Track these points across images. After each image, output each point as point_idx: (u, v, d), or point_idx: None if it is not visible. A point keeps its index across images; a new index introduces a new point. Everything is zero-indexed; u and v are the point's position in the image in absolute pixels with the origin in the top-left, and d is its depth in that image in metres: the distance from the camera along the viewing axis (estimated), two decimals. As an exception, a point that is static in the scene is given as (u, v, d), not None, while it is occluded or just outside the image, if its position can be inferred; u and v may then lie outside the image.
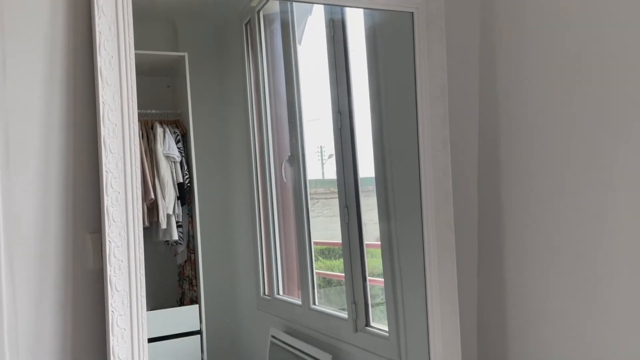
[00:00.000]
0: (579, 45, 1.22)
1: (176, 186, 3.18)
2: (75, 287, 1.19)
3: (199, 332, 3.03)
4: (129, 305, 1.13)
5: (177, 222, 3.17)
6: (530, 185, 1.39)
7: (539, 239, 1.40)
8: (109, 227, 1.11)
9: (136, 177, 1.18)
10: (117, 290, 1.12)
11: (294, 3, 2.71)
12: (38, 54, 1.15)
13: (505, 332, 1.49)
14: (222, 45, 3.52)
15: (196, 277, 3.14)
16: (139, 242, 1.15)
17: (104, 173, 1.12)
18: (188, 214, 3.21)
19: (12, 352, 1.13)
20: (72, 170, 1.19)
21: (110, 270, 1.11)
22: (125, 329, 1.13)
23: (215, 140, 3.54)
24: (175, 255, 3.31)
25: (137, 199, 1.17)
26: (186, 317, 3.05)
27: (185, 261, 3.30)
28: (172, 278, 3.34)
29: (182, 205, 3.20)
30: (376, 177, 1.94)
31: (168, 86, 3.48)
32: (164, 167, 3.18)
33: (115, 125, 1.13)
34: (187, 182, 3.17)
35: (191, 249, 3.24)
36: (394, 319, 1.93)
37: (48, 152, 1.17)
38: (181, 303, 3.28)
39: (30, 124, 1.15)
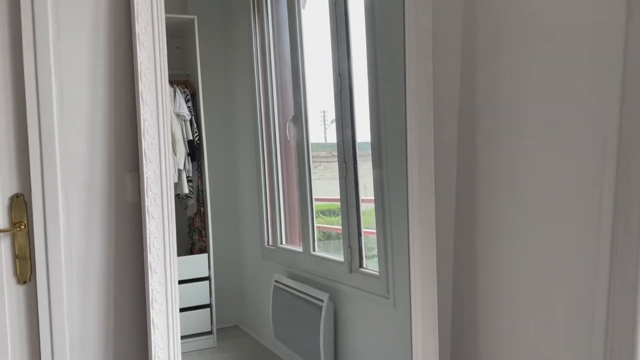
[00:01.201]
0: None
1: (186, 143, 3.39)
2: (117, 215, 1.45)
3: (207, 278, 3.31)
4: (162, 229, 1.40)
5: (187, 177, 3.40)
6: (505, 145, 1.59)
7: (507, 183, 1.61)
8: (146, 165, 1.36)
9: (167, 125, 1.42)
10: (153, 218, 1.38)
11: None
12: (85, 24, 1.37)
13: (476, 269, 1.73)
14: (230, 8, 3.66)
15: (205, 228, 3.39)
16: (170, 179, 1.40)
17: (142, 121, 1.37)
18: (198, 169, 3.44)
19: (68, 264, 1.41)
20: (115, 119, 1.43)
21: (147, 201, 1.37)
22: (159, 249, 1.39)
23: (223, 99, 3.73)
24: (185, 209, 3.56)
25: (168, 143, 1.42)
26: (196, 264, 3.32)
27: (195, 214, 3.55)
28: (182, 229, 3.61)
29: (192, 161, 3.42)
30: (371, 138, 2.15)
31: (178, 47, 3.64)
32: (175, 125, 3.38)
33: (150, 81, 1.37)
34: (196, 139, 3.38)
35: (201, 202, 3.48)
36: (384, 260, 2.16)
37: (95, 104, 1.41)
38: (191, 252, 3.55)
39: (80, 81, 1.39)
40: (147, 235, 1.38)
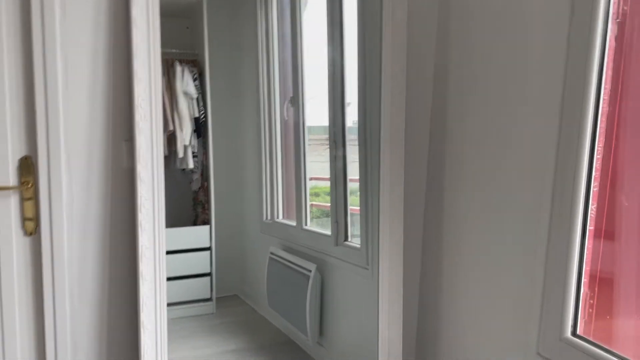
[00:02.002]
0: None
1: (193, 120, 3.57)
2: (114, 180, 1.64)
3: (209, 248, 3.51)
4: (151, 192, 1.58)
5: (193, 153, 3.59)
6: (469, 131, 1.73)
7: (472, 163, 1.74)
8: (139, 135, 1.54)
9: (158, 99, 1.58)
10: (144, 182, 1.56)
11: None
12: (88, 6, 1.54)
13: (441, 245, 1.88)
14: (237, -9, 3.78)
15: (208, 202, 3.58)
16: (160, 148, 1.57)
17: (136, 96, 1.54)
18: (203, 145, 3.61)
19: (69, 220, 1.60)
20: (113, 93, 1.61)
21: (139, 167, 1.55)
22: (149, 209, 1.58)
23: (228, 79, 3.89)
24: (190, 183, 3.76)
25: (159, 115, 1.59)
26: (199, 235, 3.52)
27: (199, 188, 3.74)
28: (187, 202, 3.80)
29: (197, 138, 3.60)
30: (358, 122, 2.29)
31: (187, 28, 3.80)
32: (182, 103, 3.56)
33: (144, 60, 1.54)
34: (202, 116, 3.55)
35: (205, 177, 3.67)
36: (365, 235, 2.32)
37: (95, 78, 1.59)
38: (194, 224, 3.75)
39: (82, 57, 1.56)
40: (138, 197, 1.56)
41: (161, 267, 1.62)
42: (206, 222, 3.75)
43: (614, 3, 1.37)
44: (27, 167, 1.56)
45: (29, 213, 1.57)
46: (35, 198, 1.57)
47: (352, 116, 2.59)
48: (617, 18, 1.38)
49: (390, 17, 1.77)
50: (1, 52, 1.50)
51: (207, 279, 3.64)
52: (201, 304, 3.59)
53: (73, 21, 1.55)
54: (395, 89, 1.80)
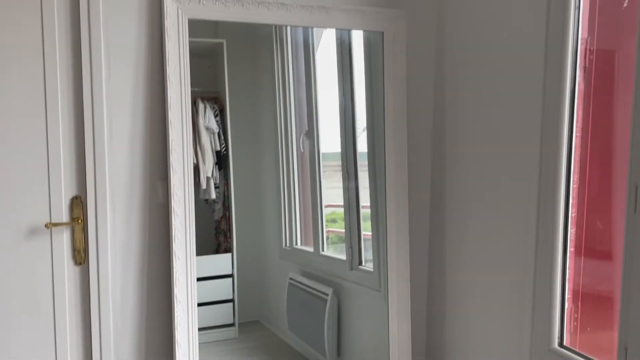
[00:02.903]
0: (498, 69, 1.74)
1: (214, 153, 3.82)
2: (151, 214, 1.89)
3: (231, 275, 3.70)
4: (183, 225, 1.82)
5: (215, 184, 3.82)
6: (465, 166, 1.94)
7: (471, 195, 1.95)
8: (173, 175, 1.79)
9: (189, 144, 1.85)
10: (177, 215, 1.81)
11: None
12: (129, 69, 1.82)
13: (444, 266, 2.07)
14: (255, 35, 4.08)
15: (230, 230, 3.80)
16: (191, 186, 1.82)
17: (170, 141, 1.80)
18: (224, 177, 3.85)
19: (113, 250, 1.84)
20: (149, 139, 1.88)
21: (173, 202, 1.80)
22: (181, 240, 1.82)
23: (247, 114, 4.15)
24: (212, 212, 3.98)
25: (190, 158, 1.84)
26: (221, 263, 3.72)
27: (221, 217, 3.97)
28: (210, 231, 4.01)
29: (219, 170, 3.84)
30: (368, 153, 2.52)
31: (209, 67, 4.07)
32: (205, 137, 3.81)
33: (177, 111, 1.80)
34: (223, 150, 3.80)
35: (226, 207, 3.89)
36: (377, 259, 2.52)
37: (135, 127, 1.86)
38: (217, 252, 3.95)
39: (124, 110, 1.84)
40: (173, 229, 1.81)
41: (193, 291, 1.85)
42: (228, 250, 3.94)
43: (581, 53, 1.59)
44: (77, 205, 1.82)
45: (79, 245, 1.83)
46: (84, 232, 1.83)
47: (359, 140, 2.80)
48: (585, 65, 1.60)
49: (392, 64, 2.01)
50: (57, 108, 1.78)
51: (230, 305, 3.83)
52: (224, 329, 3.76)
53: (117, 81, 1.83)
54: (398, 120, 2.03)
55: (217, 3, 1.91)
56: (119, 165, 1.85)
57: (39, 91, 1.76)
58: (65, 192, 1.81)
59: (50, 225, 1.77)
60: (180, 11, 1.85)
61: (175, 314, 1.82)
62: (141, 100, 1.86)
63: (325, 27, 2.18)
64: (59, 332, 1.82)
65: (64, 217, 1.81)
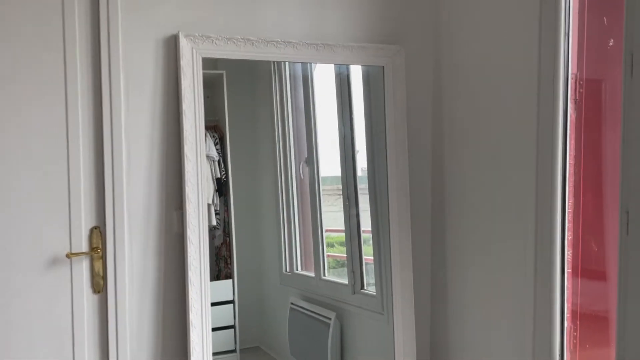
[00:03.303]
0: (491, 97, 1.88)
1: (215, 180, 3.88)
2: (167, 243, 1.98)
3: (232, 301, 3.75)
4: (198, 252, 1.90)
5: (215, 211, 3.88)
6: (463, 188, 2.06)
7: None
8: (188, 205, 1.88)
9: (203, 175, 1.94)
10: (192, 244, 1.89)
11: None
12: (146, 103, 1.93)
13: (446, 290, 2.16)
14: (254, 66, 4.21)
15: (230, 256, 3.85)
16: (205, 215, 1.91)
17: (185, 173, 1.89)
18: (224, 204, 3.92)
19: (130, 278, 1.92)
20: (166, 171, 1.97)
21: (188, 232, 1.88)
22: (196, 267, 1.90)
23: (247, 143, 4.25)
24: (213, 239, 4.03)
25: (204, 189, 1.94)
26: (222, 289, 3.77)
27: (222, 243, 4.02)
28: (211, 257, 4.04)
29: (219, 197, 3.90)
30: (368, 180, 2.63)
31: (208, 97, 4.17)
32: (205, 165, 3.87)
33: (192, 144, 1.90)
34: (223, 177, 3.88)
35: (227, 233, 3.95)
36: (379, 283, 2.60)
37: (152, 159, 1.95)
38: (218, 278, 4.00)
39: (141, 144, 1.94)
40: (188, 257, 1.89)
41: (207, 316, 1.92)
42: (229, 276, 3.99)
43: (572, 87, 1.72)
44: (96, 235, 1.90)
45: (98, 274, 1.90)
46: (102, 261, 1.90)
47: (360, 163, 2.91)
48: (575, 97, 1.73)
49: (392, 96, 2.14)
50: (78, 142, 1.87)
51: (231, 331, 3.86)
52: (225, 355, 3.78)
53: (135, 115, 1.93)
54: (399, 148, 2.15)
55: (229, 43, 2.04)
56: (137, 196, 1.93)
57: (60, 125, 1.85)
58: (85, 222, 1.89)
59: (70, 255, 1.84)
60: (194, 51, 1.97)
61: (191, 339, 1.88)
62: (158, 133, 1.96)
63: (329, 62, 2.31)
64: (78, 358, 1.87)
65: (84, 247, 1.89)
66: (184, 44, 1.94)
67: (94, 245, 1.90)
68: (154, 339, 1.96)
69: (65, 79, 1.85)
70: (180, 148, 1.95)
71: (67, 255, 1.83)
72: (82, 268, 1.89)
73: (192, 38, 1.96)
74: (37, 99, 1.83)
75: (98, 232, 1.90)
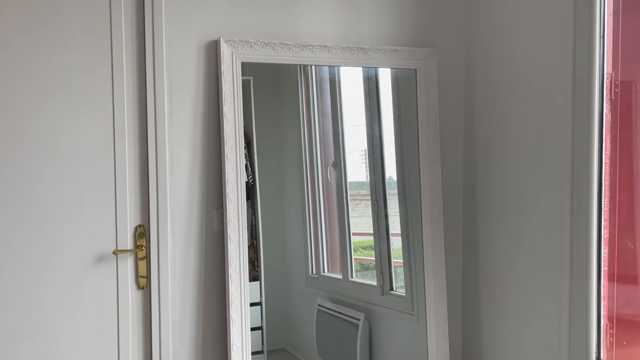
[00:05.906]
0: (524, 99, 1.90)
1: (243, 184, 3.95)
2: (207, 241, 2.05)
3: (259, 303, 3.80)
4: (238, 250, 1.96)
5: (243, 214, 3.94)
6: (499, 193, 2.08)
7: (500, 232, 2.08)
8: (228, 204, 1.95)
9: (242, 175, 2.00)
10: (232, 241, 1.96)
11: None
12: (188, 107, 2.01)
13: (479, 294, 2.18)
14: (280, 72, 4.28)
15: (257, 259, 3.91)
16: (244, 214, 1.97)
17: (225, 173, 1.96)
18: (252, 207, 3.98)
19: (172, 275, 1.98)
20: (207, 172, 2.05)
21: (229, 230, 1.95)
22: (236, 264, 1.96)
23: (274, 147, 4.31)
24: (240, 241, 4.08)
25: (243, 188, 2.00)
26: (250, 291, 3.81)
27: (249, 246, 4.07)
28: (238, 260, 4.11)
29: (247, 200, 3.96)
30: (397, 182, 2.66)
31: (235, 102, 4.25)
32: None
33: (232, 145, 1.97)
34: (250, 181, 3.94)
35: (254, 236, 4.01)
36: (409, 284, 2.63)
37: (194, 161, 2.02)
38: (245, 280, 4.06)
39: (184, 146, 2.01)
40: (228, 254, 1.95)
41: (246, 313, 1.98)
42: (256, 278, 4.04)
43: (607, 86, 1.75)
44: (141, 233, 1.98)
45: (142, 271, 1.97)
46: (146, 258, 1.97)
47: (387, 171, 2.94)
48: (610, 97, 1.75)
49: (425, 98, 2.17)
50: (124, 144, 1.95)
51: (259, 332, 3.90)
52: (253, 357, 3.82)
53: (177, 117, 2.01)
54: (432, 151, 2.19)
55: (267, 47, 2.11)
56: (179, 195, 2.01)
57: (108, 129, 1.95)
58: (130, 221, 1.96)
59: (117, 252, 1.92)
60: (234, 56, 2.04)
61: (231, 335, 1.94)
62: (199, 135, 2.04)
63: (363, 66, 2.36)
64: (122, 351, 1.94)
65: (129, 244, 1.96)
66: (225, 49, 2.01)
67: (138, 243, 1.97)
68: (194, 333, 2.02)
69: (112, 85, 1.94)
70: (221, 149, 2.02)
71: (114, 252, 1.91)
72: (127, 265, 1.96)
73: (232, 43, 2.03)
74: (87, 104, 1.92)
75: (142, 230, 1.98)
